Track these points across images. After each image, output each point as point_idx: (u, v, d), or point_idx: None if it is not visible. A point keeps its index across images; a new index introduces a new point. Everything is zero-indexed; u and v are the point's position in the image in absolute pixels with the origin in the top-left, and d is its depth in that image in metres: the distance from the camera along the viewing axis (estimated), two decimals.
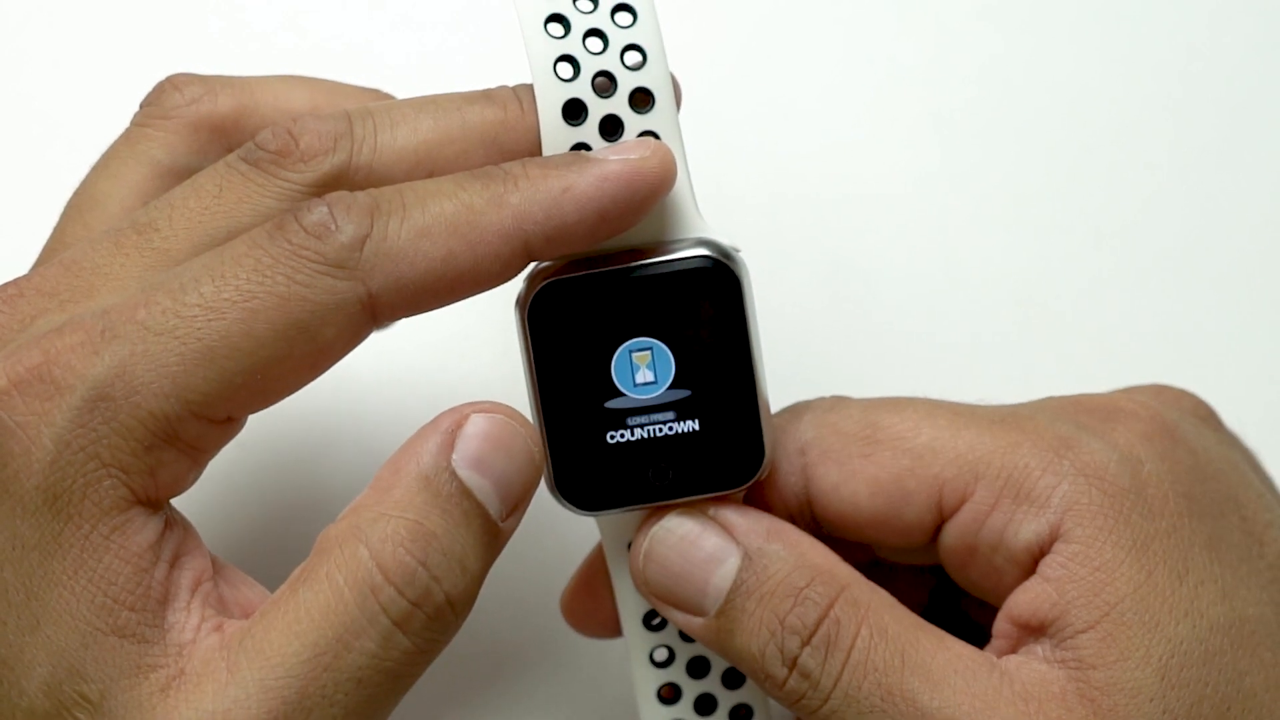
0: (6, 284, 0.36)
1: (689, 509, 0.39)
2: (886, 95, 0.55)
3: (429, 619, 0.34)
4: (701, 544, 0.39)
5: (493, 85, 0.39)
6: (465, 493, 0.35)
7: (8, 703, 0.34)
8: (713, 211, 0.40)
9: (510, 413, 0.36)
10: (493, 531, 0.36)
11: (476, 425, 0.36)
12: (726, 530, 0.39)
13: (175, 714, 0.33)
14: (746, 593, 0.38)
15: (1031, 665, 0.37)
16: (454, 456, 0.35)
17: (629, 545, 0.40)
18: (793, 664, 0.37)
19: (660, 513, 0.39)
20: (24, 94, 0.52)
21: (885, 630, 0.37)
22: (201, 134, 0.41)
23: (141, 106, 0.42)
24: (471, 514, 0.35)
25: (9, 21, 0.52)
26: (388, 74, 0.53)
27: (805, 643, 0.37)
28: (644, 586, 0.39)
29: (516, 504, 0.36)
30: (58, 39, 0.52)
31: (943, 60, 0.56)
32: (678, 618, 0.39)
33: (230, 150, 0.39)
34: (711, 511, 0.39)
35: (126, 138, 0.41)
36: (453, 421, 0.36)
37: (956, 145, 0.55)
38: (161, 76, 0.42)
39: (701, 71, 0.47)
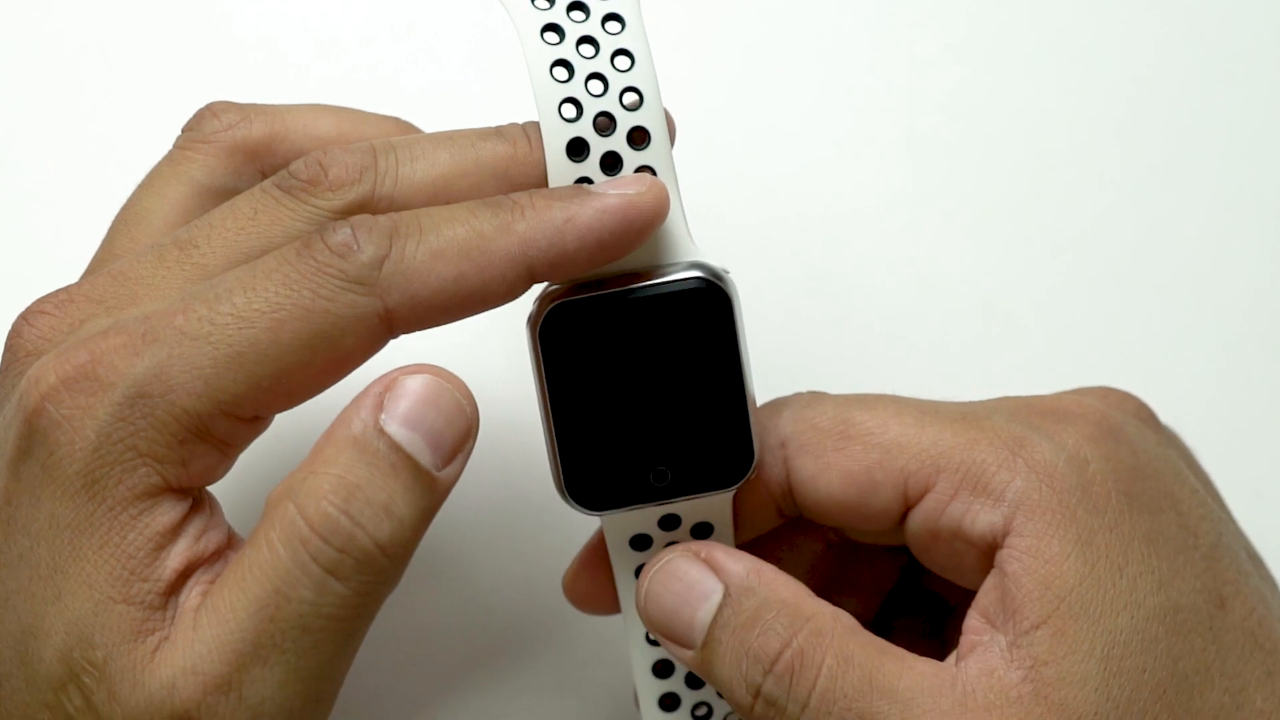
0: (58, 291, 0.36)
1: (684, 552, 0.39)
2: (862, 121, 0.54)
3: (358, 563, 0.34)
4: (691, 582, 0.38)
5: (502, 110, 0.39)
6: (394, 447, 0.34)
7: (29, 669, 0.34)
8: (704, 226, 0.39)
9: (438, 371, 0.35)
10: (427, 480, 0.35)
11: (404, 386, 0.35)
12: (715, 570, 0.38)
13: (159, 673, 0.33)
14: (723, 625, 0.37)
15: (992, 674, 0.36)
16: (382, 416, 0.34)
17: (629, 541, 0.40)
18: (756, 692, 0.36)
19: (661, 555, 0.39)
20: (78, 118, 0.51)
21: (851, 658, 0.36)
22: (237, 157, 0.40)
23: (183, 131, 0.41)
24: (400, 465, 0.34)
25: (68, 55, 0.52)
26: (409, 101, 0.52)
27: (767, 671, 0.36)
28: (647, 622, 0.39)
29: (452, 454, 0.35)
30: (109, 69, 0.52)
31: (913, 89, 0.55)
32: (673, 650, 0.39)
33: (263, 172, 0.39)
34: (704, 553, 0.38)
35: (169, 159, 0.40)
36: (382, 386, 0.35)
37: (926, 165, 0.54)
38: (202, 103, 0.41)
39: (693, 102, 0.46)
